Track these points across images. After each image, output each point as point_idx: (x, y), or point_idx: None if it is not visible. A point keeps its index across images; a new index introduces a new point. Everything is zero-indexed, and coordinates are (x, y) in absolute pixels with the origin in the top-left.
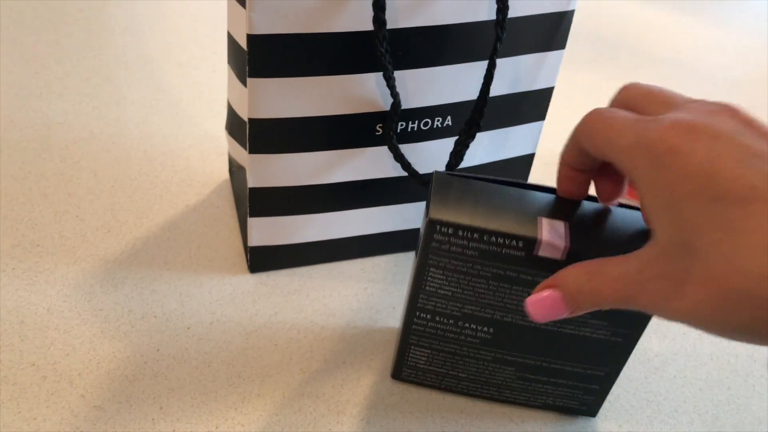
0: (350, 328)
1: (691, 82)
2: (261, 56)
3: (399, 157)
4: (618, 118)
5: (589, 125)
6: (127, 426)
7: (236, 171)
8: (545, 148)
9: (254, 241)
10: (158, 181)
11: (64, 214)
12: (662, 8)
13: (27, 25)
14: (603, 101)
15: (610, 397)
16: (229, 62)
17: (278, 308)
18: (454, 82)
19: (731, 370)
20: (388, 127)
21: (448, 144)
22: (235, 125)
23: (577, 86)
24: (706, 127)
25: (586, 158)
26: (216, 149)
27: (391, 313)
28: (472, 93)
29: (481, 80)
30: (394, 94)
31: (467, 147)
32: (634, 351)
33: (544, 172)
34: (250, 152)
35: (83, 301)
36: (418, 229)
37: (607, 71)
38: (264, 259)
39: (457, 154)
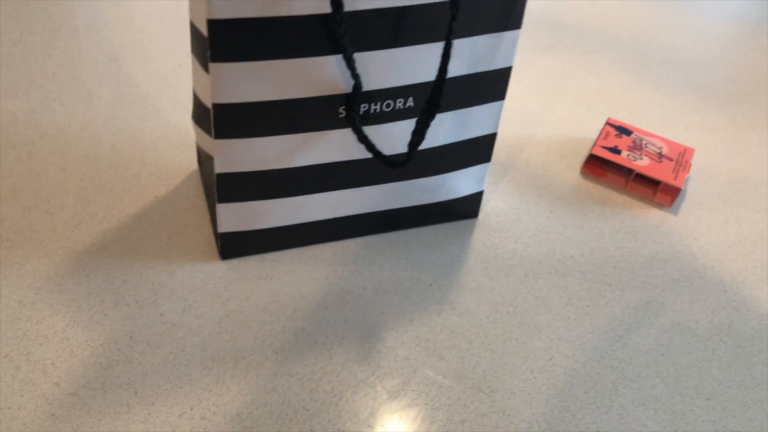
0: (321, 309)
1: (650, 63)
2: (222, 41)
3: (363, 139)
4: None
5: None
6: (103, 411)
7: (205, 161)
8: (512, 130)
9: (224, 227)
10: (127, 173)
11: (34, 209)
12: None
13: None
14: (567, 83)
15: (575, 365)
16: (192, 51)
17: (250, 293)
18: (415, 63)
19: (692, 335)
20: (350, 109)
21: (411, 125)
22: (201, 114)
23: (542, 69)
24: None
25: None
26: (184, 141)
27: (362, 293)
28: (432, 74)
29: (439, 61)
30: (355, 76)
31: (428, 126)
32: (599, 320)
33: (509, 154)
34: (216, 137)
35: (55, 293)
36: (388, 211)
37: (569, 54)
38: (234, 246)
39: (418, 132)
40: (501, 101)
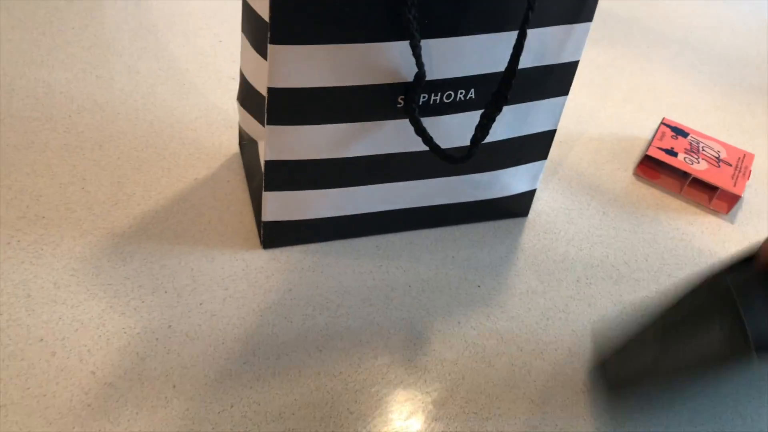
0: (366, 305)
1: (703, 62)
2: (283, 22)
3: (420, 131)
4: None
5: None
6: (140, 404)
7: (247, 144)
8: (562, 126)
9: (269, 216)
10: (166, 153)
11: (69, 186)
12: None
13: None
14: (617, 78)
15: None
16: (243, 31)
17: (292, 285)
18: (480, 53)
19: None
20: (410, 98)
21: (470, 118)
22: (248, 97)
23: (592, 63)
24: None
25: None
26: (224, 121)
27: (407, 291)
28: (496, 65)
29: (507, 52)
30: (420, 64)
31: (494, 120)
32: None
33: (559, 151)
34: (268, 123)
35: (91, 276)
36: (437, 206)
37: (620, 49)
38: (277, 235)
39: (483, 127)
40: (564, 96)
